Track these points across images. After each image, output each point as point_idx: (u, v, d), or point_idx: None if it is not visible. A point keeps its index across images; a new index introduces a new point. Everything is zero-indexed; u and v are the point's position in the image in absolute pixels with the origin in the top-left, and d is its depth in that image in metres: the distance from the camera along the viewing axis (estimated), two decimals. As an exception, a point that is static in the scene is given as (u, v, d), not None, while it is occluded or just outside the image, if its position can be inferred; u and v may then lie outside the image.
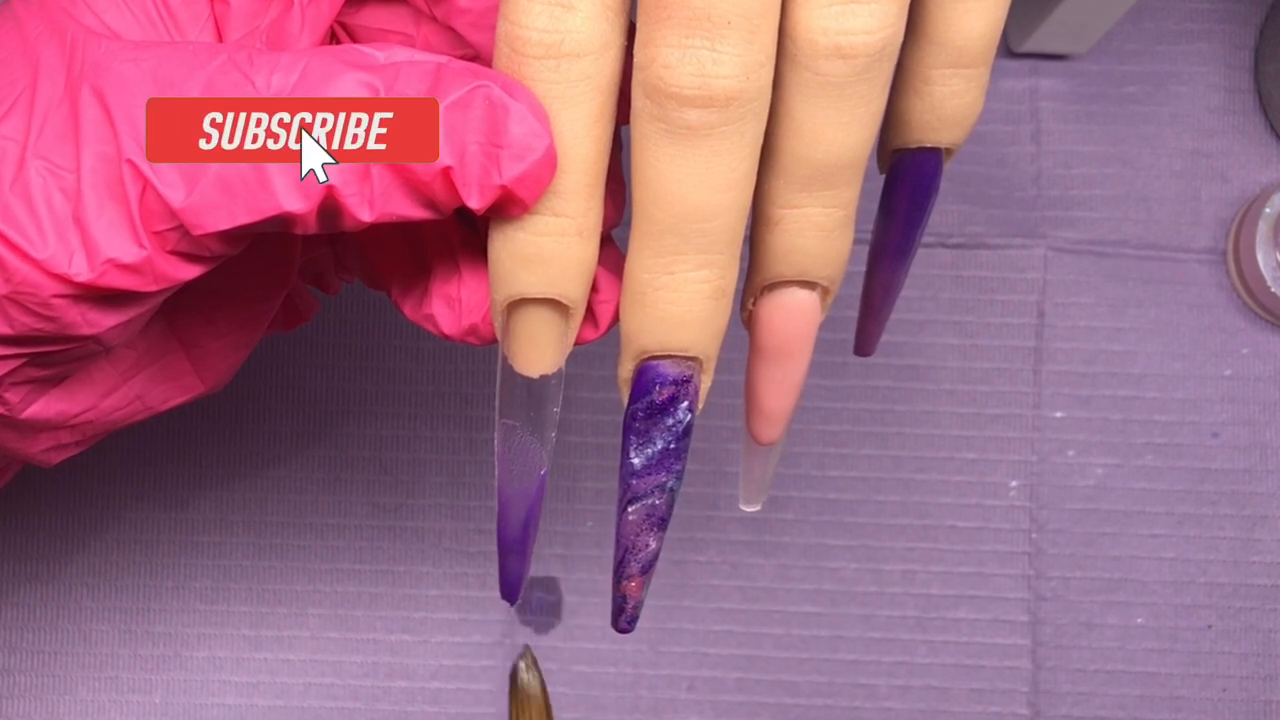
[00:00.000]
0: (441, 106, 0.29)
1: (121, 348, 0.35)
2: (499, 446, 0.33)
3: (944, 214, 0.58)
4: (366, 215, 0.29)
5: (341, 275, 0.40)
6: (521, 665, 0.35)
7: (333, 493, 0.58)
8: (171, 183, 0.29)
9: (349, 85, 0.29)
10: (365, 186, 0.29)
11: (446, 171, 0.29)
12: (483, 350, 0.58)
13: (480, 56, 0.35)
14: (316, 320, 0.57)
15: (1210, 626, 0.57)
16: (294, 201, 0.29)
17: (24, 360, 0.32)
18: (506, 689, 0.56)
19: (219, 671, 0.57)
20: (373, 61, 0.30)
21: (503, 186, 0.29)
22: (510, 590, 0.35)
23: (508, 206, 0.30)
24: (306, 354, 0.58)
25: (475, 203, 0.30)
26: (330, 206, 0.29)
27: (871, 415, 0.58)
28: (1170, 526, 0.57)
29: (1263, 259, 0.55)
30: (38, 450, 0.36)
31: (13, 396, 0.33)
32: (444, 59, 0.30)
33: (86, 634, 0.57)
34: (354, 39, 0.36)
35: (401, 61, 0.30)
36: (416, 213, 0.30)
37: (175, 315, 0.36)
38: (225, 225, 0.29)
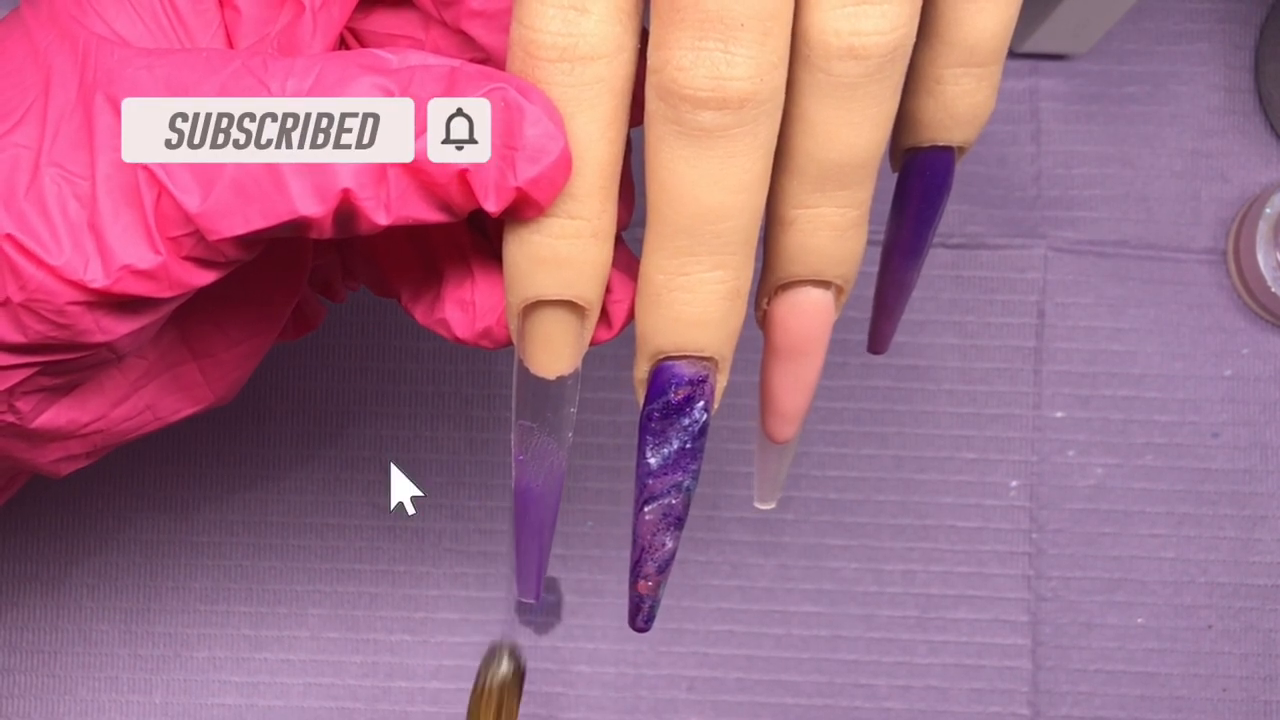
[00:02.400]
0: None
1: (133, 357, 0.35)
2: (516, 448, 0.33)
3: (944, 214, 0.58)
4: (383, 219, 0.29)
5: (349, 283, 0.40)
6: (500, 655, 0.32)
7: (333, 493, 0.57)
8: (187, 188, 0.29)
9: (364, 89, 0.29)
10: (381, 190, 0.29)
11: (463, 174, 0.29)
12: (483, 351, 0.58)
13: (491, 59, 0.35)
14: (317, 320, 0.57)
15: (1210, 626, 0.57)
16: (310, 205, 0.29)
17: (36, 369, 0.32)
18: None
19: (219, 671, 0.57)
20: (387, 65, 0.30)
21: (519, 189, 0.29)
22: (529, 590, 0.35)
23: (523, 209, 0.30)
24: (307, 355, 0.58)
25: (492, 205, 0.30)
26: (346, 210, 0.29)
27: (871, 415, 0.58)
28: (1170, 526, 0.57)
29: (1263, 259, 0.55)
30: (47, 460, 0.36)
31: (24, 405, 0.33)
32: (457, 62, 0.30)
33: (86, 634, 0.57)
34: (362, 44, 0.36)
35: (415, 65, 0.30)
36: (432, 216, 0.30)
37: (186, 324, 0.36)
38: (241, 230, 0.29)
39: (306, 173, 0.29)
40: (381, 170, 0.29)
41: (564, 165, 0.29)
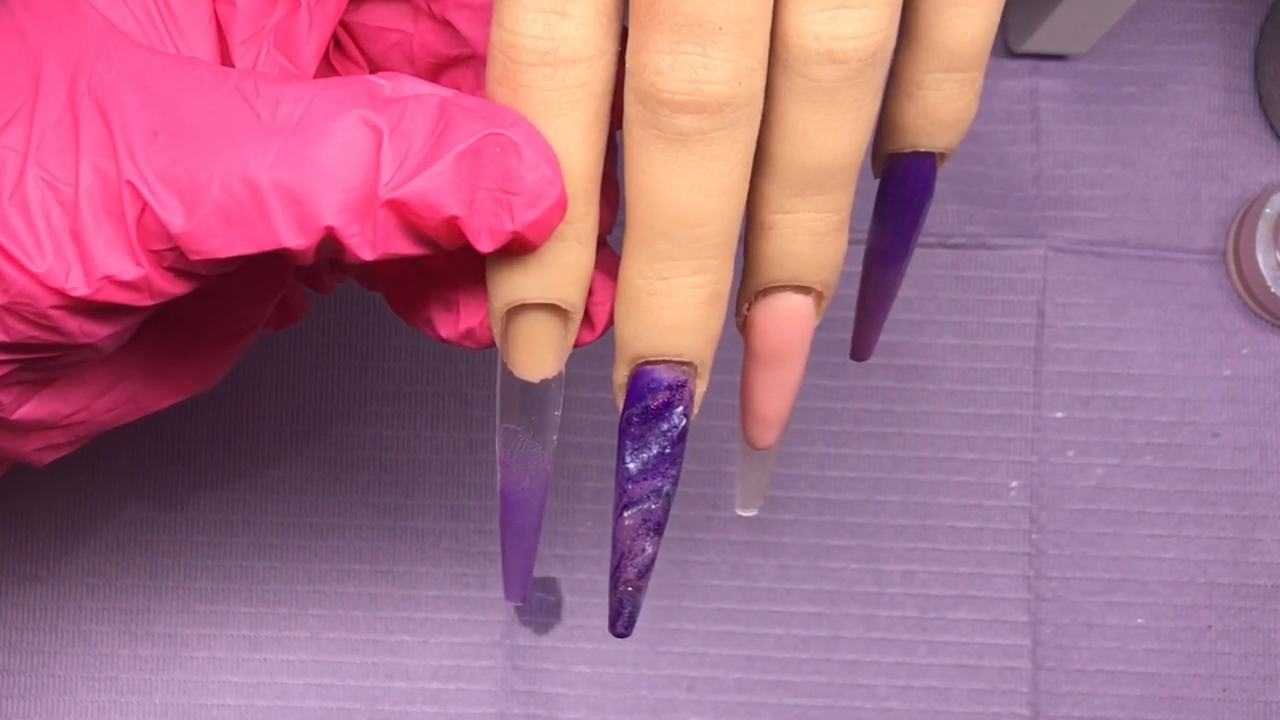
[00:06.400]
0: (451, 156, 0.29)
1: (114, 350, 0.35)
2: (501, 451, 0.33)
3: (944, 214, 0.58)
4: (367, 254, 0.29)
5: (336, 275, 0.40)
6: None
7: (332, 493, 0.58)
8: (170, 207, 0.29)
9: (351, 123, 0.29)
10: (366, 228, 0.29)
11: (453, 219, 0.29)
12: (483, 351, 0.58)
13: (476, 54, 0.35)
14: (316, 320, 0.57)
15: (1210, 627, 0.57)
16: (293, 238, 0.29)
17: (17, 365, 0.32)
18: (506, 689, 0.56)
19: (218, 672, 0.57)
20: (379, 93, 0.30)
21: (514, 232, 0.29)
22: (515, 592, 0.35)
23: (516, 248, 0.30)
24: (306, 354, 0.58)
25: (485, 246, 0.30)
26: (330, 243, 0.29)
27: (871, 415, 0.58)
28: (1170, 526, 0.57)
29: (1263, 259, 0.55)
30: (29, 449, 0.36)
31: (4, 397, 0.33)
32: (449, 93, 0.30)
33: (86, 634, 0.57)
34: (354, 37, 0.36)
35: (408, 95, 0.30)
36: (419, 251, 0.30)
37: (169, 317, 0.36)
38: (223, 254, 0.29)
39: (292, 206, 0.29)
40: (369, 208, 0.29)
41: (560, 207, 0.30)
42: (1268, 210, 0.55)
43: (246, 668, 0.57)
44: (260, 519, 0.58)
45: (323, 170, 0.29)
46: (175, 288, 0.31)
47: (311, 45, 0.33)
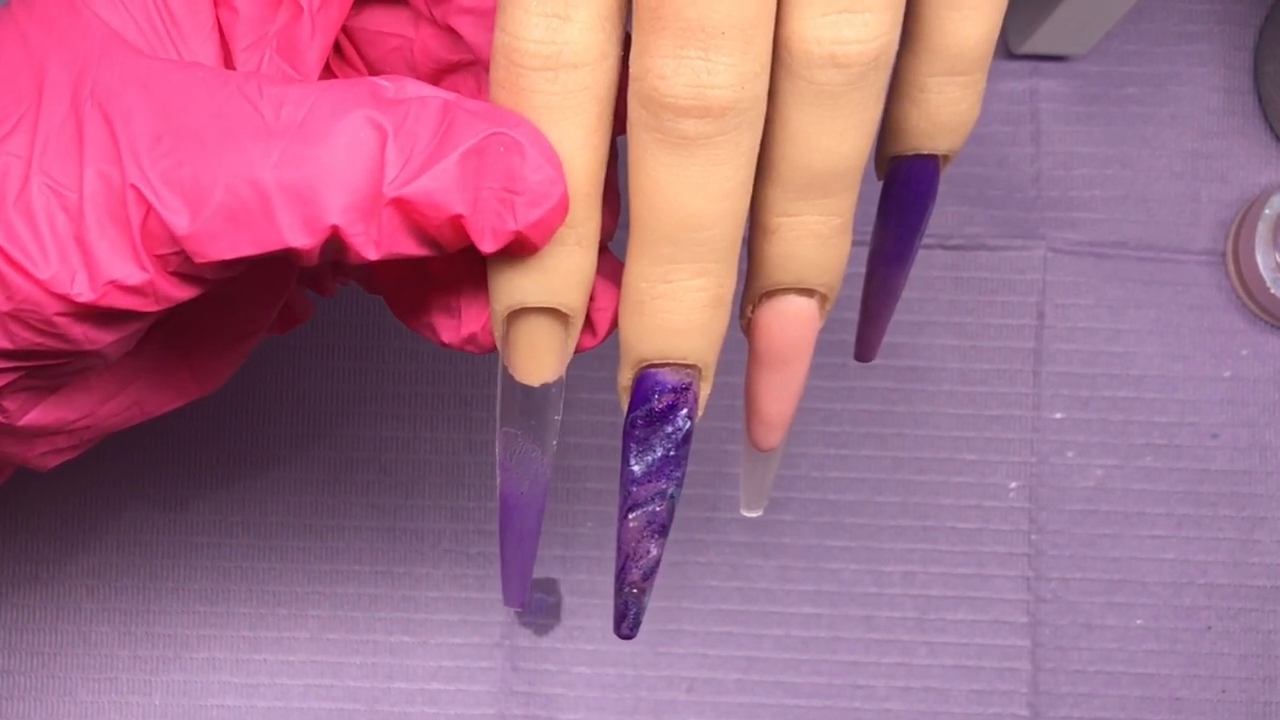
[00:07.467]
0: (455, 155, 0.29)
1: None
2: (501, 455, 0.33)
3: (943, 215, 0.58)
4: (372, 254, 0.29)
5: (338, 278, 0.40)
6: None
7: (332, 494, 0.58)
8: (175, 209, 0.29)
9: (356, 123, 0.29)
10: (371, 227, 0.29)
11: (457, 219, 0.29)
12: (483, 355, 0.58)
13: (478, 60, 0.35)
14: (315, 322, 0.57)
15: (1210, 628, 0.57)
16: (299, 237, 0.29)
17: (23, 372, 0.32)
18: (506, 690, 0.56)
19: (218, 673, 0.57)
20: (382, 95, 0.30)
21: (517, 232, 0.29)
22: (514, 597, 0.35)
23: (518, 248, 0.30)
24: (305, 355, 0.58)
25: (488, 246, 0.30)
26: (335, 243, 0.29)
27: (871, 416, 0.58)
28: (1170, 527, 0.57)
29: (1262, 260, 0.55)
30: (34, 454, 0.36)
31: (10, 404, 0.33)
32: (452, 95, 0.30)
33: (86, 635, 0.57)
34: (354, 42, 0.36)
35: (411, 98, 0.30)
36: (422, 252, 0.30)
37: (173, 322, 0.36)
38: (228, 255, 0.29)
39: (297, 206, 0.29)
40: (374, 207, 0.29)
41: (562, 208, 0.30)
42: (1267, 211, 0.55)
43: (246, 668, 0.57)
44: (260, 520, 0.58)
45: (327, 169, 0.29)
46: (180, 292, 0.31)
47: (314, 51, 0.33)
